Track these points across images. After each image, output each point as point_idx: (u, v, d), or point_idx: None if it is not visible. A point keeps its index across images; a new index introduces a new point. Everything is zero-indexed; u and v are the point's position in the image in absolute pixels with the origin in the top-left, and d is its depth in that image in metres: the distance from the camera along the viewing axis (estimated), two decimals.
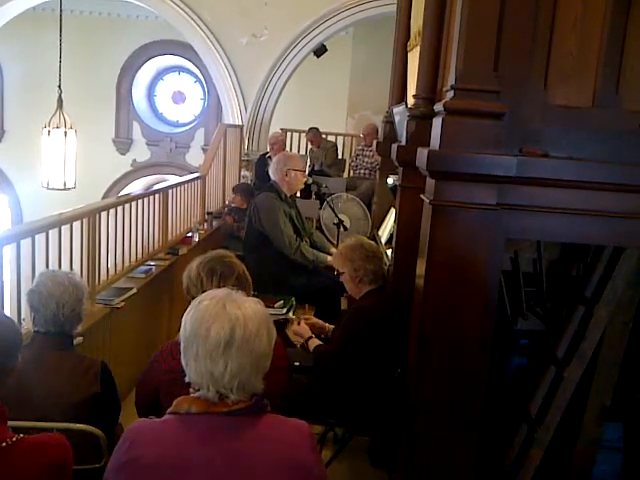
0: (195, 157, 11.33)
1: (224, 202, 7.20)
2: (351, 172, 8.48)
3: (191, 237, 5.56)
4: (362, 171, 8.01)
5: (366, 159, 8.01)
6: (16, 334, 1.57)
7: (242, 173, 8.05)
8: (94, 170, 10.01)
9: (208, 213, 6.39)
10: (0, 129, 11.41)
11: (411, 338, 2.36)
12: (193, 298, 2.11)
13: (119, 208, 3.97)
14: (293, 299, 3.82)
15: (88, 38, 10.67)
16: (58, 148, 6.24)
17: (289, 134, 9.60)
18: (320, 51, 8.33)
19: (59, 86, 5.94)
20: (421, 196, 2.28)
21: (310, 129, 8.55)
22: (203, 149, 11.27)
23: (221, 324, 1.37)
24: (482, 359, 2.17)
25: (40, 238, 3.03)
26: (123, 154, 11.56)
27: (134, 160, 11.59)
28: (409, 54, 3.82)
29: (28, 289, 2.32)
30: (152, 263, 4.59)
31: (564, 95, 2.13)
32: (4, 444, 1.41)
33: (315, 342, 3.01)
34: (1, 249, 2.69)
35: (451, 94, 2.06)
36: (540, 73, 2.12)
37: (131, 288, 3.93)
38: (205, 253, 2.28)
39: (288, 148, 8.71)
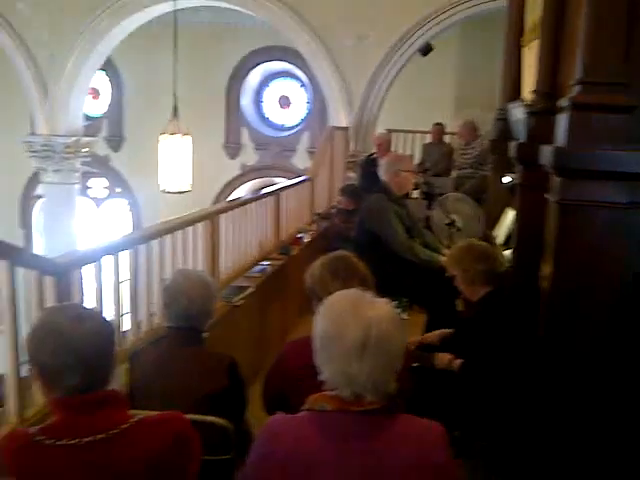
0: (301, 160, 11.54)
1: (331, 203, 7.30)
2: (454, 172, 8.36)
3: (301, 238, 5.69)
4: (466, 170, 7.86)
5: (466, 157, 7.87)
6: (110, 327, 1.59)
7: (348, 174, 8.11)
8: (205, 174, 10.40)
9: (316, 214, 6.50)
10: (120, 137, 12.12)
11: (537, 341, 2.30)
12: (317, 297, 2.18)
13: (237, 210, 4.13)
14: (406, 300, 3.80)
15: (199, 47, 11.11)
16: (174, 154, 6.57)
17: (395, 135, 9.56)
18: (426, 50, 8.23)
19: (174, 94, 6.23)
20: (545, 195, 2.22)
21: (436, 124, 8.56)
22: (308, 152, 11.46)
23: (356, 326, 1.39)
24: (612, 364, 2.08)
25: (167, 239, 3.22)
26: (233, 158, 11.95)
27: (243, 164, 11.96)
28: (523, 49, 3.72)
29: (162, 286, 2.46)
30: (266, 263, 4.74)
31: None
32: (126, 425, 1.48)
33: (457, 361, 2.88)
34: (136, 249, 2.88)
35: (578, 88, 2.00)
36: None
37: (248, 287, 4.07)
38: (315, 253, 2.33)
39: (393, 149, 8.69)
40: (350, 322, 1.40)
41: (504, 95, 4.15)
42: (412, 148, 9.86)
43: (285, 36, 8.77)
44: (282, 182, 6.52)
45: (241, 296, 3.89)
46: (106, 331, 1.52)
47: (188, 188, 6.78)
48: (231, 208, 4.09)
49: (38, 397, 2.37)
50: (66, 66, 8.74)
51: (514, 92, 3.82)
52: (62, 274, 2.35)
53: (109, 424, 1.45)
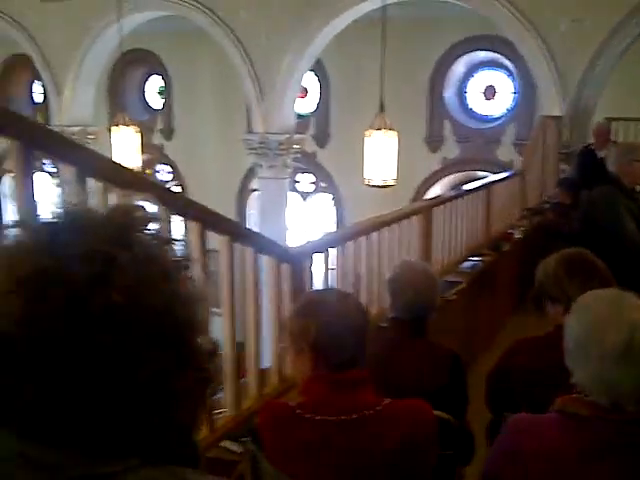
0: (505, 152, 11.09)
1: (542, 197, 6.92)
2: None
3: (512, 233, 5.47)
4: None
5: None
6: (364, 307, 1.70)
7: (561, 167, 7.62)
8: (406, 168, 10.41)
9: (527, 210, 6.21)
10: (326, 134, 12.60)
11: None
12: (549, 296, 2.07)
13: (448, 204, 4.09)
14: None
15: (403, 41, 11.10)
16: (379, 148, 6.66)
17: (615, 123, 8.79)
18: None
19: (381, 89, 6.28)
20: None
21: None
22: (514, 144, 10.97)
23: (618, 328, 1.29)
24: None
25: (385, 232, 3.28)
26: (434, 152, 11.84)
27: (444, 158, 11.80)
28: None
29: (380, 277, 2.51)
30: (476, 258, 4.63)
31: None
32: (379, 407, 1.51)
33: None
34: (357, 241, 2.97)
35: None
36: None
37: (460, 282, 4.01)
38: (528, 250, 2.21)
39: (613, 139, 7.99)
40: (611, 324, 1.30)
41: None
42: (635, 138, 9.00)
43: (492, 24, 8.46)
44: (485, 176, 6.30)
45: (454, 291, 3.84)
46: (364, 310, 1.62)
47: (392, 182, 6.85)
48: (444, 202, 4.05)
49: (273, 377, 2.55)
50: (281, 67, 9.28)
51: None
52: (296, 262, 2.50)
53: (364, 404, 1.50)
